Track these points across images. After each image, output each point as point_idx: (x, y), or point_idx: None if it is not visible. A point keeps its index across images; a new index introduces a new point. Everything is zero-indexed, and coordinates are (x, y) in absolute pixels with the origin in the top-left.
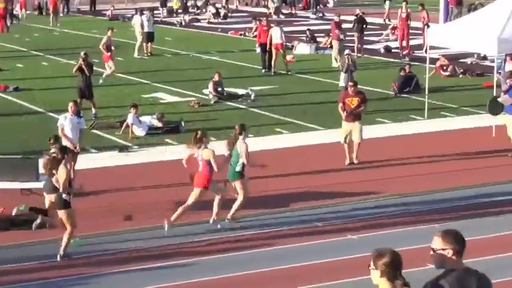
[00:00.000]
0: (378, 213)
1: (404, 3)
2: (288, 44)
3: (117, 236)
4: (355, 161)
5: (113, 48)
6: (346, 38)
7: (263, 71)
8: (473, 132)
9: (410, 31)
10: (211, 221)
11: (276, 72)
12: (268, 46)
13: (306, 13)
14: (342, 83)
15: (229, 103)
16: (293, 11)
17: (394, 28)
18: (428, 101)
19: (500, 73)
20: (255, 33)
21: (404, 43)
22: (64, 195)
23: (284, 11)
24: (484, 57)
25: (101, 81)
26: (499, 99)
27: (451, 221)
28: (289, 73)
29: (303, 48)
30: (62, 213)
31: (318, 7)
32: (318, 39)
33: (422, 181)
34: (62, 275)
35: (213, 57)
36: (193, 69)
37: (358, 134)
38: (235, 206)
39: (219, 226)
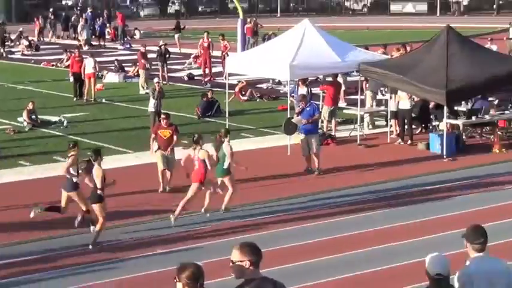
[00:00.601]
0: (181, 228)
1: (206, 34)
2: (98, 73)
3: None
4: (167, 188)
5: None
6: (152, 67)
7: (75, 99)
8: (271, 151)
9: (212, 59)
10: (202, 210)
11: (88, 100)
12: (82, 75)
13: (114, 44)
14: (151, 109)
15: (44, 130)
16: (102, 43)
17: (196, 57)
18: (229, 124)
19: (293, 97)
20: (67, 64)
21: (207, 71)
22: (99, 191)
23: (93, 43)
24: (279, 83)
25: None
26: (293, 121)
27: (250, 233)
28: (99, 100)
29: (111, 77)
30: (96, 207)
31: (126, 38)
32: (125, 68)
33: (223, 198)
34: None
35: (28, 87)
36: (9, 99)
37: (173, 165)
38: (227, 198)
39: (208, 215)
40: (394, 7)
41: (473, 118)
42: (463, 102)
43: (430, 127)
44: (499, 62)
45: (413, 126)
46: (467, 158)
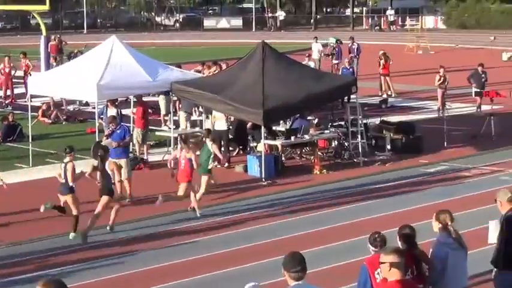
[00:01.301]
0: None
1: (7, 59)
2: None
3: None
4: None
5: None
6: None
7: None
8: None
9: (14, 80)
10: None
11: None
12: None
13: None
14: None
15: None
16: None
17: None
18: (33, 149)
19: (102, 118)
20: None
21: (8, 92)
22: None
23: None
24: (87, 104)
25: None
26: (102, 143)
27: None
28: None
29: None
30: (104, 199)
31: None
32: None
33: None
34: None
35: None
36: None
37: None
38: (198, 196)
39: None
40: (207, 22)
41: (292, 138)
42: (281, 122)
43: (248, 148)
44: (317, 79)
45: (230, 148)
46: (286, 181)
